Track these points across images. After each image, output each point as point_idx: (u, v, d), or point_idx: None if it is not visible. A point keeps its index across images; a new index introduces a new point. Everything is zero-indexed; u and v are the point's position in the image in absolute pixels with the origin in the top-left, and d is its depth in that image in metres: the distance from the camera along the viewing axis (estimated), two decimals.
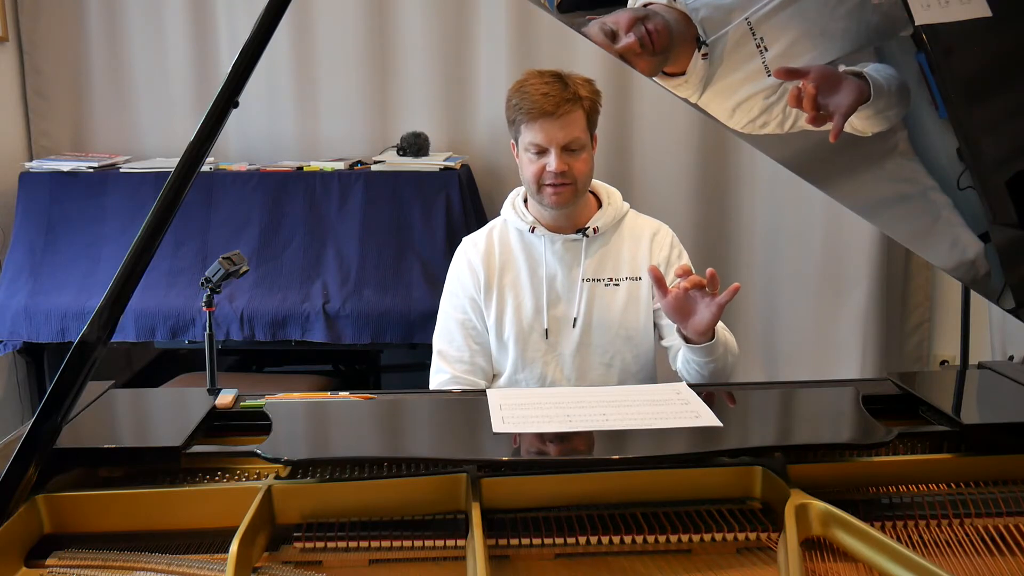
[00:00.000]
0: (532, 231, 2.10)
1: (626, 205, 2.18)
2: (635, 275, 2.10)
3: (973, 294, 1.88)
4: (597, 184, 2.18)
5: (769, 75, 1.45)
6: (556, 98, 1.96)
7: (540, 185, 2.03)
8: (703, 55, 1.47)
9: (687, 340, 1.90)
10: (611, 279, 2.09)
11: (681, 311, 1.84)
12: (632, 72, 3.26)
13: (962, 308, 2.00)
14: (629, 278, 2.10)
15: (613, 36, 1.46)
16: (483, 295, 2.12)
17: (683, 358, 1.99)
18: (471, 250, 2.16)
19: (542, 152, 2.00)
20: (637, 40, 1.45)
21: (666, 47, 1.46)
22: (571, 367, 2.08)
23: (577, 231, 2.10)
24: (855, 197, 1.64)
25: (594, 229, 2.10)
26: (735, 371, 2.04)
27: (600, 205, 2.15)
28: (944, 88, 1.36)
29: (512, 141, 2.09)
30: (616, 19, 1.47)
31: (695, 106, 1.52)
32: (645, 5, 1.47)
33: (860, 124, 1.42)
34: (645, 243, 2.13)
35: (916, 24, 1.28)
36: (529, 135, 2.00)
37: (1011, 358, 3.22)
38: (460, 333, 2.12)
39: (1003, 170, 1.43)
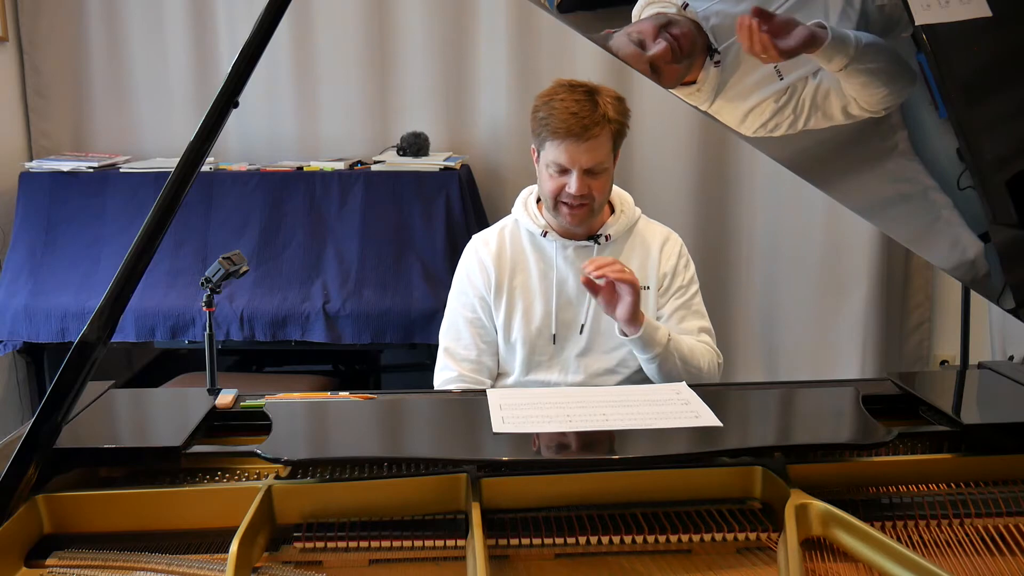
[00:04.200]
0: (544, 235, 2.09)
1: (638, 211, 2.16)
2: (643, 283, 2.06)
3: (973, 294, 1.87)
4: None
5: (781, 79, 1.44)
6: (585, 120, 1.91)
7: (558, 202, 2.01)
8: (715, 63, 1.46)
9: (623, 333, 1.95)
10: None
11: (610, 303, 1.92)
12: (632, 73, 3.26)
13: (962, 308, 2.00)
14: None
15: (642, 45, 1.45)
16: (493, 295, 2.10)
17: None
18: (482, 248, 2.14)
19: (564, 171, 1.98)
20: (668, 46, 1.43)
21: (692, 51, 1.45)
22: (576, 372, 2.07)
23: (589, 237, 2.09)
24: (855, 197, 1.64)
25: (606, 236, 2.09)
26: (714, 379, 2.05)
27: (612, 211, 2.13)
28: (944, 88, 1.36)
29: (533, 147, 2.06)
30: (640, 28, 1.45)
31: (706, 114, 1.51)
32: (658, 17, 1.46)
33: (854, 91, 1.40)
34: (655, 252, 2.11)
35: (916, 24, 1.28)
36: (553, 153, 1.97)
37: (1011, 358, 3.21)
38: (468, 331, 2.11)
39: (1003, 170, 1.43)
